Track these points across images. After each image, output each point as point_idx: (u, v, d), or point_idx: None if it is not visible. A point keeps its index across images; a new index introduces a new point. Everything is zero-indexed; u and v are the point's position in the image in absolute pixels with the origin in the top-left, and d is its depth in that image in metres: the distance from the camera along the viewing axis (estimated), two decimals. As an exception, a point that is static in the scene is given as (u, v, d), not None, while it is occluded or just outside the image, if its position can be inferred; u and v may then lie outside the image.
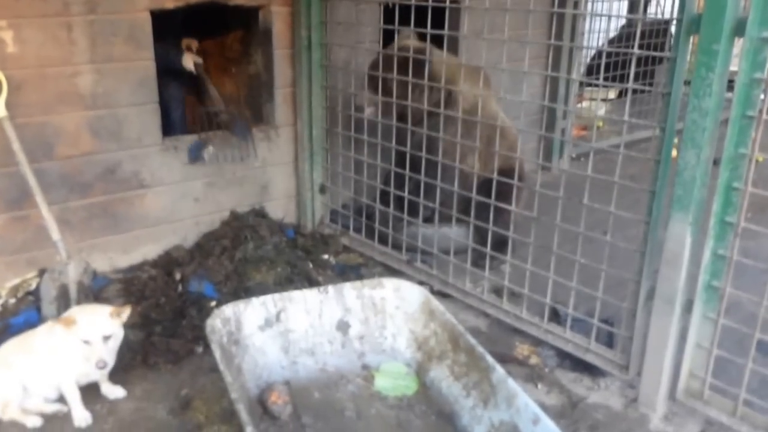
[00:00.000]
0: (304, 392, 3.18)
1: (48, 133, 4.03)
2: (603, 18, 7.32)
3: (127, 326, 3.29)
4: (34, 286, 4.06)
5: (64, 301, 3.78)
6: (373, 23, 4.91)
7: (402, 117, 4.54)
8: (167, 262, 4.53)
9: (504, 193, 3.99)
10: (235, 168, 4.83)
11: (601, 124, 7.45)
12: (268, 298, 3.29)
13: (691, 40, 2.91)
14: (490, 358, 2.89)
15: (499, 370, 2.82)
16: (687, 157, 2.88)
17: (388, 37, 4.55)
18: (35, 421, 3.17)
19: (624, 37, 8.27)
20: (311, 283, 4.34)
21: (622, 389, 3.47)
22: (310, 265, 4.63)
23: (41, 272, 4.05)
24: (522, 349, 3.80)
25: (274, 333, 3.27)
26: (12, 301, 4.01)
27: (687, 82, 2.90)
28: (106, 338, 3.07)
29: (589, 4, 7.01)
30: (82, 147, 4.18)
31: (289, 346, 3.30)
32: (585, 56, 7.60)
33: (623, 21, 8.63)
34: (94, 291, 4.03)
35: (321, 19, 4.67)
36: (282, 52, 4.87)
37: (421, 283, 4.01)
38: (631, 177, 3.31)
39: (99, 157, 4.26)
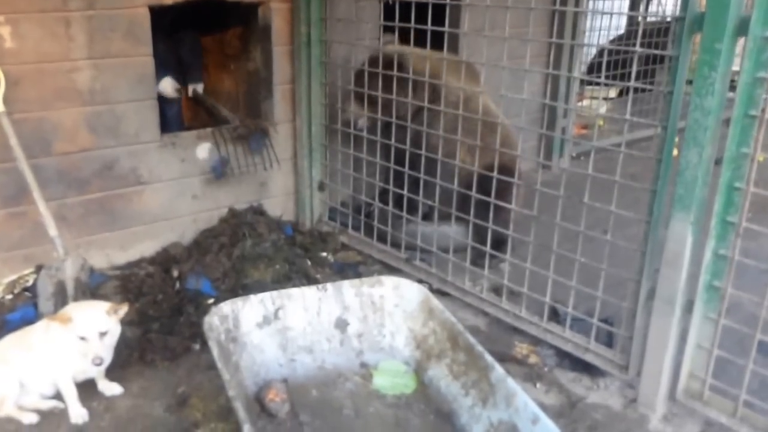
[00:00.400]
0: (302, 390, 3.17)
1: (46, 128, 4.02)
2: (604, 16, 7.33)
3: (124, 323, 3.27)
4: (31, 282, 4.04)
5: (61, 298, 3.74)
6: (373, 20, 4.89)
7: (394, 117, 4.55)
8: (165, 259, 4.51)
9: (499, 190, 3.97)
10: (234, 164, 4.81)
11: (602, 123, 7.44)
12: (266, 296, 3.28)
13: (694, 38, 2.89)
14: (489, 357, 2.88)
15: (498, 369, 2.80)
16: (689, 156, 2.87)
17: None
18: (31, 418, 3.16)
19: (626, 36, 8.28)
20: (309, 280, 4.33)
21: (621, 389, 3.46)
22: (309, 263, 4.62)
23: (38, 268, 4.02)
24: (521, 349, 3.78)
25: (272, 330, 3.26)
26: (9, 297, 3.99)
27: (689, 82, 2.89)
28: (103, 334, 3.06)
29: (591, 2, 7.00)
30: (80, 143, 4.16)
31: (287, 344, 3.29)
32: (586, 54, 7.59)
33: (630, 20, 8.65)
34: (91, 288, 3.99)
35: (320, 16, 4.66)
36: (281, 48, 4.85)
37: (420, 281, 3.99)
38: (631, 176, 3.29)
39: (96, 154, 4.23)
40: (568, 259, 3.56)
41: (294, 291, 3.36)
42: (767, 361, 3.11)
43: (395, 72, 4.38)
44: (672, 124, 2.99)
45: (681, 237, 2.98)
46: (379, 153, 4.64)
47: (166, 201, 4.60)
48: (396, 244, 4.66)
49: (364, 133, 4.74)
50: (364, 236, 4.90)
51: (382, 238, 4.73)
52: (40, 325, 3.26)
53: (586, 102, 7.88)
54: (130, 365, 3.55)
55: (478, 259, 4.23)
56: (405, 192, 4.45)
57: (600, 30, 7.40)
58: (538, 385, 3.52)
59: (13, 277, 4.08)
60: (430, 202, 4.35)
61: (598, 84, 7.06)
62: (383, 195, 4.81)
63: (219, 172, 4.71)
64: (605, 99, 7.53)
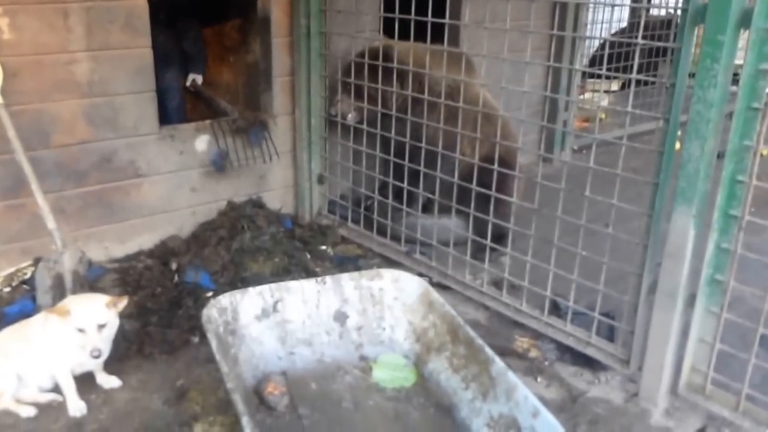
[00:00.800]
0: (301, 383, 3.15)
1: (44, 120, 4.00)
2: (606, 8, 7.30)
3: (123, 316, 3.26)
4: (29, 275, 4.04)
5: (59, 291, 3.73)
6: (373, 11, 4.88)
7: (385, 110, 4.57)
8: (163, 252, 4.50)
9: (497, 182, 3.94)
10: (235, 155, 4.79)
11: (603, 116, 7.41)
12: (265, 288, 3.27)
13: (696, 31, 2.86)
14: (489, 351, 2.86)
15: (499, 363, 2.79)
16: (691, 149, 2.85)
17: (388, 26, 4.50)
18: (29, 411, 3.15)
19: (629, 29, 8.25)
20: (309, 274, 4.30)
21: (622, 383, 3.44)
22: (308, 256, 4.61)
23: (36, 261, 4.02)
24: (522, 342, 3.77)
25: (271, 323, 3.24)
26: (7, 290, 3.98)
27: (692, 75, 2.87)
28: (101, 327, 3.05)
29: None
30: (78, 135, 4.14)
31: (286, 337, 3.27)
32: (588, 47, 7.57)
33: (633, 13, 8.63)
34: (90, 281, 3.99)
35: (320, 7, 4.63)
36: (280, 40, 4.82)
37: (420, 275, 3.96)
38: (633, 170, 3.28)
39: (95, 146, 4.22)
40: (570, 252, 3.54)
41: (293, 284, 3.35)
42: (769, 355, 3.10)
43: (380, 63, 4.42)
44: (674, 116, 2.97)
45: (683, 230, 2.96)
46: (378, 146, 4.62)
47: (164, 194, 4.59)
48: (396, 237, 4.64)
49: (364, 125, 4.71)
50: (364, 229, 4.88)
51: (381, 231, 4.71)
52: (38, 318, 3.25)
53: (587, 95, 7.85)
54: (129, 358, 3.54)
55: (478, 252, 4.20)
56: (405, 185, 4.43)
57: (602, 23, 7.37)
58: (538, 379, 3.50)
59: (11, 269, 4.06)
60: (428, 194, 4.33)
61: (599, 77, 7.02)
62: (383, 188, 4.79)
63: (219, 165, 4.69)
64: (606, 92, 7.51)
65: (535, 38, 3.67)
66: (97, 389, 3.33)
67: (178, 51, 5.09)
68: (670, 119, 2.99)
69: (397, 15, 4.19)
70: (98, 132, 4.20)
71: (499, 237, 4.15)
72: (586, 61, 7.53)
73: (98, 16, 4.02)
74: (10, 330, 3.30)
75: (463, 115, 4.09)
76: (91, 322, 3.02)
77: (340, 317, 3.37)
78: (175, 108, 5.15)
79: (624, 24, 8.87)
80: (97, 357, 3.07)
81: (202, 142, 4.65)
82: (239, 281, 4.12)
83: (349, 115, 4.83)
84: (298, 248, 4.61)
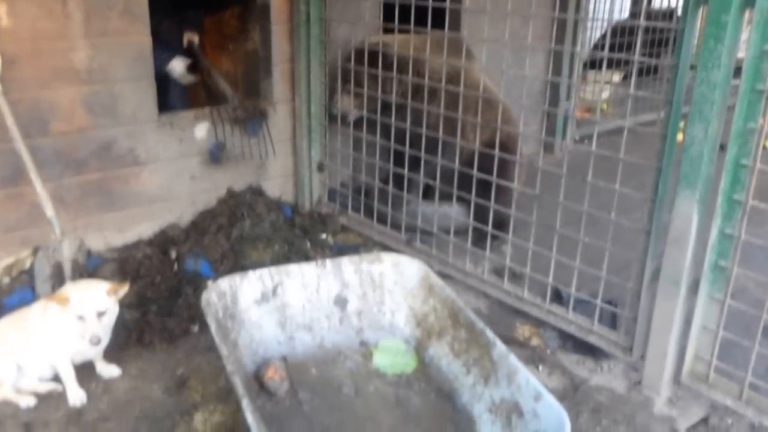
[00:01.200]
0: (302, 368, 3.14)
1: (42, 108, 3.97)
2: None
3: (123, 305, 3.26)
4: (28, 265, 4.02)
5: (58, 280, 3.72)
6: (373, -3, 4.86)
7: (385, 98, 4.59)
8: (162, 241, 4.48)
9: (498, 168, 3.92)
10: (232, 145, 4.77)
11: (605, 106, 7.38)
12: (264, 272, 3.24)
13: (701, 12, 2.84)
14: (490, 334, 2.83)
15: (500, 346, 2.76)
16: (694, 132, 2.82)
17: (388, 12, 4.48)
18: (29, 401, 3.13)
19: (630, 19, 8.24)
20: (309, 262, 4.27)
21: (625, 372, 3.42)
22: (308, 245, 4.59)
23: (35, 251, 4.00)
24: (523, 331, 3.75)
25: (271, 307, 3.22)
26: (6, 280, 3.96)
27: (692, 67, 2.86)
28: (101, 314, 3.03)
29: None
30: (77, 123, 4.11)
31: (286, 322, 3.25)
32: (590, 38, 7.54)
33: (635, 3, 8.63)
34: (89, 270, 3.97)
35: (320, -7, 4.61)
36: (280, 27, 4.79)
37: (420, 263, 3.96)
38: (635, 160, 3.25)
39: (94, 134, 4.19)
40: (571, 239, 3.52)
41: (293, 267, 3.32)
42: (774, 344, 3.07)
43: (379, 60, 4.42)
44: (677, 99, 2.95)
45: (686, 216, 2.93)
46: (379, 133, 4.60)
47: (164, 182, 4.56)
48: (396, 226, 4.61)
49: (365, 112, 4.69)
50: (364, 217, 4.86)
51: (382, 219, 4.69)
52: (37, 307, 3.23)
53: (588, 87, 7.82)
54: (128, 347, 3.53)
55: (479, 240, 4.18)
56: (405, 171, 4.41)
57: (603, 13, 7.34)
58: (540, 367, 3.48)
59: (10, 260, 4.03)
60: (429, 181, 4.30)
61: (600, 66, 7.00)
62: (383, 174, 4.77)
63: (216, 156, 4.68)
64: (608, 83, 7.48)
65: (536, 27, 3.65)
66: (97, 378, 3.31)
67: (180, 38, 5.05)
68: (673, 101, 2.96)
69: (397, 0, 4.17)
70: (97, 120, 4.17)
71: (499, 224, 4.12)
72: (588, 51, 7.49)
73: (97, 2, 3.99)
74: (9, 319, 3.28)
75: (463, 101, 4.07)
76: (90, 309, 3.00)
77: (341, 302, 3.34)
78: (178, 95, 5.11)
79: (626, 14, 8.88)
80: (96, 344, 3.05)
81: (201, 130, 4.63)
82: (239, 269, 4.02)
83: (350, 116, 4.84)
84: (298, 236, 4.59)
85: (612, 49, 6.84)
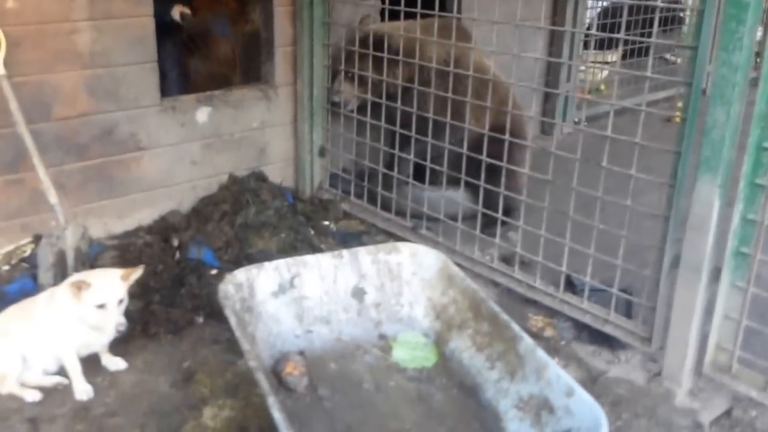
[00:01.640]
0: (320, 363, 3.07)
1: (45, 92, 3.92)
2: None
3: (126, 294, 3.20)
4: (28, 252, 3.96)
5: (60, 269, 3.64)
6: (376, -22, 4.79)
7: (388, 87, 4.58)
8: (163, 228, 4.41)
9: (503, 152, 3.87)
10: (233, 129, 4.69)
11: (603, 87, 7.33)
12: (281, 263, 3.17)
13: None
14: (516, 327, 2.78)
15: (527, 340, 2.71)
16: (716, 115, 2.78)
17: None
18: (34, 396, 3.07)
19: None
20: (314, 250, 4.20)
21: (643, 363, 3.36)
22: (311, 233, 4.52)
23: (36, 238, 3.94)
24: (536, 321, 3.69)
25: (288, 300, 3.15)
26: (6, 268, 3.90)
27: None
28: (120, 302, 2.99)
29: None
30: (79, 107, 4.05)
31: (304, 314, 3.18)
32: (590, 18, 7.46)
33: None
34: (90, 258, 3.89)
35: (323, -26, 4.54)
36: (282, 9, 4.72)
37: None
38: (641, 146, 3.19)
39: (96, 118, 4.13)
40: (585, 226, 3.46)
41: (309, 258, 3.26)
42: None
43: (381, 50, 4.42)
44: (697, 81, 2.91)
45: (707, 201, 2.89)
46: (383, 118, 4.55)
47: (164, 167, 4.50)
48: (400, 212, 4.55)
49: (368, 96, 4.62)
50: (367, 204, 4.79)
51: (386, 205, 4.62)
52: (44, 297, 3.17)
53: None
54: (133, 338, 3.45)
55: (486, 227, 4.12)
56: (411, 157, 4.36)
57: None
58: (555, 359, 3.38)
59: (11, 247, 3.98)
60: (435, 166, 4.26)
61: (602, 47, 6.96)
62: (386, 159, 4.71)
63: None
64: (606, 63, 7.41)
65: (534, 8, 3.58)
66: (103, 371, 3.25)
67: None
68: (693, 83, 2.91)
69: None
70: (99, 104, 4.11)
71: (507, 211, 4.07)
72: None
73: (100, -17, 3.93)
74: (14, 309, 3.22)
75: (465, 84, 4.02)
76: (113, 297, 2.96)
77: (358, 293, 3.28)
78: (174, 78, 5.03)
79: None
80: (121, 331, 3.00)
81: (203, 114, 4.56)
82: (244, 258, 4.04)
83: (351, 104, 4.78)
84: (302, 224, 4.53)
85: (611, 28, 6.78)
